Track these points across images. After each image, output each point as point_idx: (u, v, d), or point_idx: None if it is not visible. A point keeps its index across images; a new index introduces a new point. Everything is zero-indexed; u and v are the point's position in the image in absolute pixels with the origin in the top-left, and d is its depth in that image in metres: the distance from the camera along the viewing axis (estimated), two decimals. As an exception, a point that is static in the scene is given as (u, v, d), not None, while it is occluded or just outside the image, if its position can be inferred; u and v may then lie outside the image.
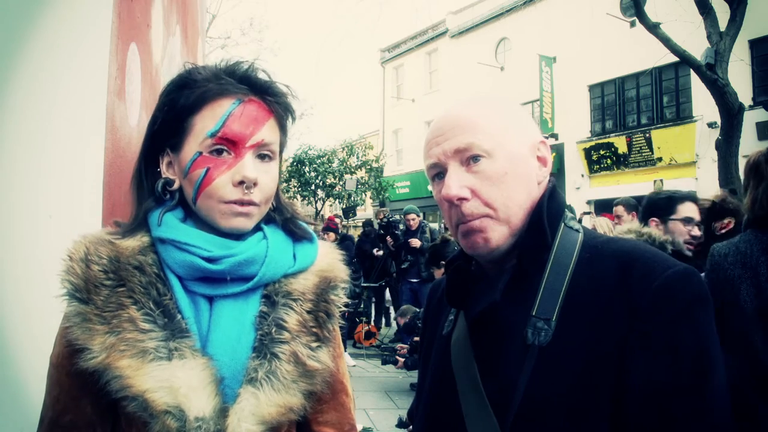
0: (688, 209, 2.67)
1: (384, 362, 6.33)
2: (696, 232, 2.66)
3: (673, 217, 2.65)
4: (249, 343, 0.94)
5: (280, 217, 1.05)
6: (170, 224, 0.96)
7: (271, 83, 0.99)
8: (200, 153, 0.93)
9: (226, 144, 0.93)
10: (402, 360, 5.90)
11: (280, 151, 1.04)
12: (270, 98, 0.97)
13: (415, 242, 7.83)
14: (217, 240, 0.95)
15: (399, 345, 6.40)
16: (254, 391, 0.91)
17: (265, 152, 0.97)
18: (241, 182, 0.92)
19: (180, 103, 0.95)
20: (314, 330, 0.99)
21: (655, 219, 2.67)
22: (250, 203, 0.94)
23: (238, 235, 0.98)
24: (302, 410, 0.95)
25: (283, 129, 1.02)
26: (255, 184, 0.94)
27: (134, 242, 0.96)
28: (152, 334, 0.89)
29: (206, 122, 0.93)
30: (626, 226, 2.45)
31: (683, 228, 2.63)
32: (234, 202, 0.93)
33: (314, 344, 0.98)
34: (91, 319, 0.89)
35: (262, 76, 0.98)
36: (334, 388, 1.07)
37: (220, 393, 0.90)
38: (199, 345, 0.92)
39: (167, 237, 0.94)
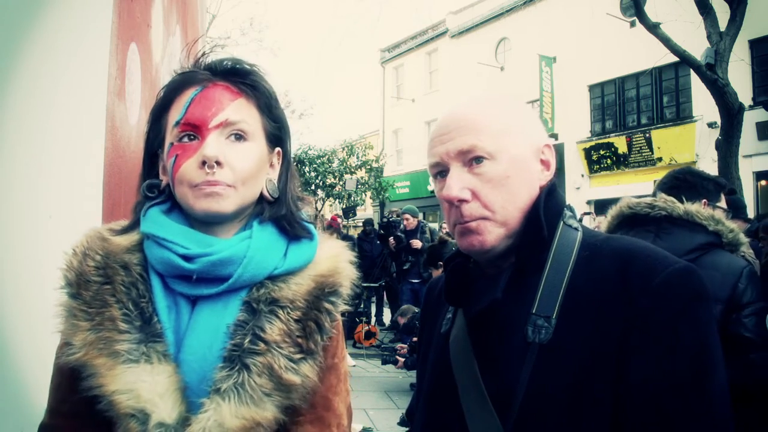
0: None
1: (384, 362, 6.33)
2: None
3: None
4: (219, 352, 0.90)
5: (275, 212, 1.00)
6: (153, 218, 0.95)
7: (234, 65, 0.98)
8: (171, 144, 0.94)
9: (191, 129, 0.92)
10: (402, 360, 5.90)
11: (277, 137, 1.02)
12: (236, 79, 0.97)
13: (417, 243, 7.84)
14: (197, 236, 0.93)
15: (399, 345, 6.40)
16: (220, 401, 0.87)
17: (235, 131, 0.94)
18: (204, 162, 0.90)
19: (156, 105, 0.98)
20: (299, 340, 0.93)
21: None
22: (218, 184, 0.90)
23: (221, 224, 0.96)
24: (274, 424, 0.90)
25: (263, 110, 0.99)
26: (219, 163, 0.90)
27: (125, 240, 0.96)
28: (127, 335, 0.88)
29: (173, 114, 0.94)
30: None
31: None
32: (201, 184, 0.90)
33: (297, 356, 0.92)
34: (76, 315, 0.89)
35: (227, 61, 0.98)
36: (313, 401, 0.98)
37: (185, 401, 0.88)
38: (173, 349, 0.90)
39: (150, 232, 0.93)
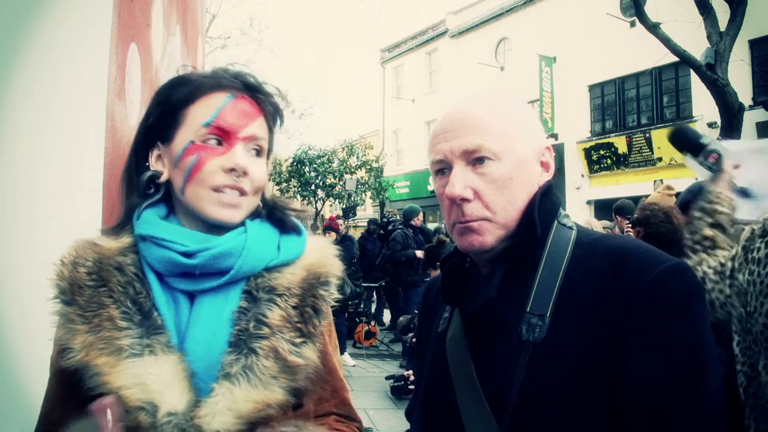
0: None
1: (396, 393, 5.94)
2: None
3: None
4: (225, 338, 0.93)
5: (266, 208, 1.05)
6: (150, 221, 0.97)
7: (262, 83, 1.03)
8: (193, 141, 0.96)
9: (220, 134, 0.96)
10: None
11: (268, 152, 1.06)
12: (261, 96, 1.01)
13: (419, 253, 7.86)
14: (195, 235, 0.96)
15: (407, 372, 6.04)
16: (230, 386, 0.89)
17: (256, 147, 0.99)
18: (232, 169, 0.94)
19: (175, 96, 0.99)
20: (298, 325, 0.97)
21: None
22: (240, 190, 0.96)
23: (220, 229, 0.98)
24: (284, 406, 0.93)
25: (270, 130, 1.04)
26: (245, 174, 0.96)
27: (116, 243, 0.99)
28: (128, 331, 0.90)
29: (200, 113, 0.96)
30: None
31: None
32: (225, 186, 0.95)
33: (298, 340, 0.96)
34: (73, 320, 0.91)
35: (252, 77, 1.02)
36: (334, 386, 1.07)
37: (194, 388, 0.90)
38: (175, 341, 0.92)
39: (147, 234, 0.95)
